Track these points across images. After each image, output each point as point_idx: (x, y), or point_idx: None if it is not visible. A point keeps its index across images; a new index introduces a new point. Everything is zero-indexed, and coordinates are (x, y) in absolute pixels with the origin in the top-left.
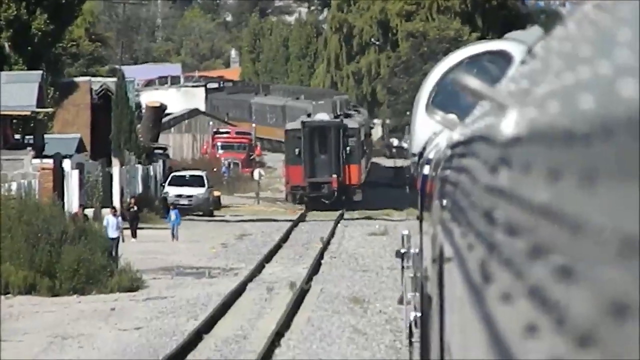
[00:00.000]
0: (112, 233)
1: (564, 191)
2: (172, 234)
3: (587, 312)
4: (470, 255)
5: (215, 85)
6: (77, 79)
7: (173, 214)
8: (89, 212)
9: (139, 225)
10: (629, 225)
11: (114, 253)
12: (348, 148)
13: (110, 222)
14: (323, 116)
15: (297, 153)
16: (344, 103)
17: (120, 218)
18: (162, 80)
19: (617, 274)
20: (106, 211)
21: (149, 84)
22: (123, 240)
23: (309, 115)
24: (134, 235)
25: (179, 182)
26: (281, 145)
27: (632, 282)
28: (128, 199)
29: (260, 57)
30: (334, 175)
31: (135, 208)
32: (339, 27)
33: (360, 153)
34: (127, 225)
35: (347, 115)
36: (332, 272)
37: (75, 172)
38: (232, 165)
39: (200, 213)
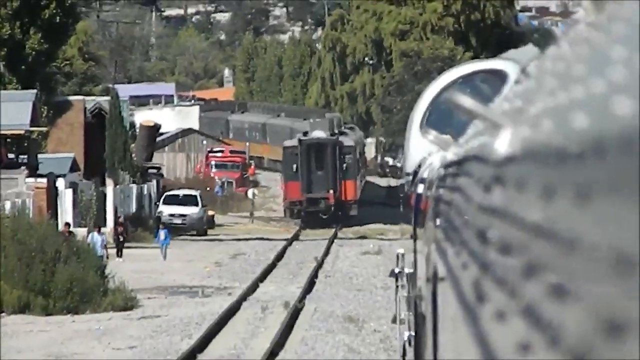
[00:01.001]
0: (99, 251)
1: (557, 210)
2: (164, 254)
3: (582, 331)
4: (463, 274)
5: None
6: (70, 98)
7: (162, 234)
8: (83, 230)
9: (126, 245)
10: (623, 243)
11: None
12: (344, 165)
13: (96, 240)
14: (320, 134)
15: (294, 169)
16: (337, 121)
17: (104, 236)
18: (156, 100)
19: (612, 292)
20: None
21: (142, 103)
22: (107, 258)
23: (305, 134)
24: (118, 254)
25: (173, 201)
26: (260, 161)
27: (627, 300)
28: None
29: (254, 76)
30: (331, 191)
31: (121, 229)
32: (332, 46)
33: (356, 169)
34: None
35: (343, 133)
36: (326, 291)
37: (69, 192)
38: (226, 184)
39: (194, 232)
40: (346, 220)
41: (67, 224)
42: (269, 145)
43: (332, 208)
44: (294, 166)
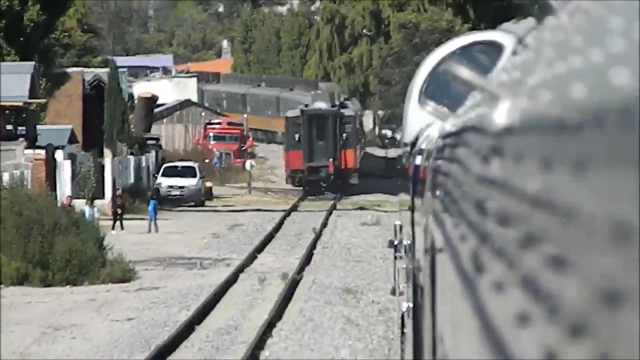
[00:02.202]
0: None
1: (556, 181)
2: (150, 227)
3: (580, 301)
4: (462, 245)
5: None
6: (69, 70)
7: (151, 206)
8: (82, 202)
9: (125, 217)
10: (621, 214)
11: None
12: (344, 134)
13: (87, 214)
14: (321, 105)
15: (296, 139)
16: (337, 93)
17: (95, 209)
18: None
19: (610, 263)
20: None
21: (140, 75)
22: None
23: (306, 106)
24: (121, 227)
25: (172, 172)
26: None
27: (625, 270)
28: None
29: (252, 48)
30: (331, 160)
31: (119, 201)
32: (330, 18)
33: (356, 139)
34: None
35: (343, 105)
36: (324, 262)
37: (68, 163)
38: (224, 156)
39: (192, 203)
40: (346, 188)
41: (70, 197)
42: (251, 115)
43: (332, 176)
44: (296, 136)
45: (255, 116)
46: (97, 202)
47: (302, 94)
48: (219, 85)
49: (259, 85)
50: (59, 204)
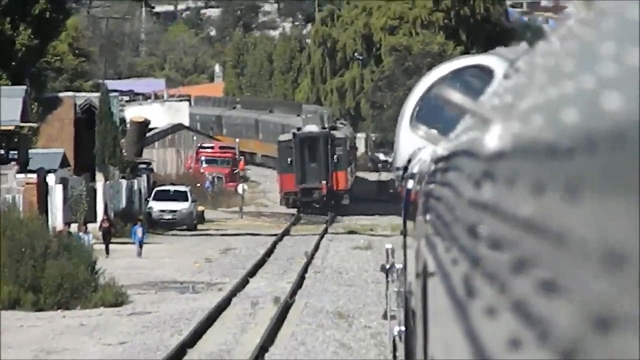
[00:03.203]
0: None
1: (547, 205)
2: (139, 251)
3: (571, 326)
4: (453, 269)
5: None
6: (61, 94)
7: (140, 231)
8: (74, 226)
9: (115, 241)
10: (612, 238)
11: None
12: (335, 156)
13: (82, 240)
14: (312, 128)
15: (289, 162)
16: (327, 115)
17: (90, 235)
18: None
19: (601, 287)
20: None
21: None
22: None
23: (298, 129)
24: (106, 252)
25: (163, 197)
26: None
27: (617, 296)
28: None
29: (244, 71)
30: (324, 182)
31: (107, 225)
32: (322, 42)
33: (347, 161)
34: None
35: (334, 127)
36: (316, 286)
37: (59, 187)
38: (216, 180)
39: (185, 227)
40: (339, 210)
41: (68, 224)
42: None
43: (325, 198)
44: (289, 159)
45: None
46: (89, 226)
47: (284, 117)
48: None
49: (234, 108)
50: (50, 228)
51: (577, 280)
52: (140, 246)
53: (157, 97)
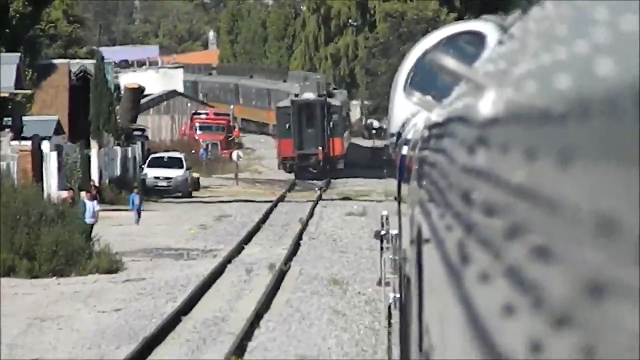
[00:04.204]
0: (89, 219)
1: (541, 172)
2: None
3: (565, 293)
4: (448, 236)
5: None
6: (55, 61)
7: (137, 198)
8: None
9: (111, 208)
10: (606, 206)
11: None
12: (332, 123)
13: (88, 207)
14: (310, 95)
15: (287, 128)
16: (323, 82)
17: (96, 202)
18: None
19: (595, 255)
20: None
21: (127, 66)
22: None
23: (296, 95)
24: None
25: (158, 163)
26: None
27: (610, 263)
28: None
29: (238, 38)
30: (320, 147)
31: (95, 192)
32: (316, 8)
33: (343, 127)
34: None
35: (330, 94)
36: (311, 253)
37: (54, 154)
38: (210, 147)
39: (179, 194)
40: (334, 173)
41: (71, 189)
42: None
43: (321, 163)
44: (287, 125)
45: (246, 107)
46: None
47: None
48: (212, 77)
49: (251, 77)
50: (45, 195)
51: (570, 247)
52: (138, 214)
53: (152, 64)
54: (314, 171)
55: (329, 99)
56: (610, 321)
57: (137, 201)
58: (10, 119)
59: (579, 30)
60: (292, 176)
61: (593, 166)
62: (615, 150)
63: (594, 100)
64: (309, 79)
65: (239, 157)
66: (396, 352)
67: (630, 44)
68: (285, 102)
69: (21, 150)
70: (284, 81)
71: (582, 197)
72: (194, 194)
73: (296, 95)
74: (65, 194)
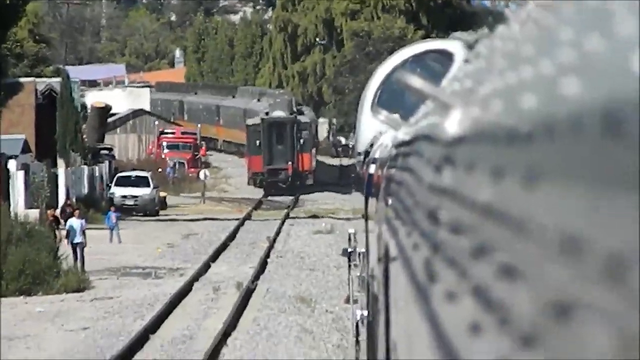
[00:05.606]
0: (77, 238)
1: (507, 190)
2: (111, 237)
3: (531, 311)
4: (414, 254)
5: None
6: (21, 80)
7: (114, 217)
8: (35, 212)
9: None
10: (572, 225)
11: (78, 259)
12: (301, 140)
13: (75, 226)
14: (280, 113)
15: (257, 144)
16: (294, 100)
17: (84, 221)
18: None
19: (560, 274)
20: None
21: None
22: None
23: (267, 114)
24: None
25: (125, 182)
26: None
27: (575, 281)
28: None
29: (205, 57)
30: (289, 163)
31: (69, 210)
32: (283, 27)
33: (311, 144)
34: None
35: (300, 112)
36: (278, 271)
37: (21, 173)
38: (177, 165)
39: (146, 213)
40: (303, 190)
41: (53, 208)
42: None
43: (290, 178)
44: (257, 142)
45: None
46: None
47: (246, 102)
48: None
49: (195, 94)
50: (12, 214)
51: (536, 266)
52: (112, 232)
53: (118, 82)
54: (284, 186)
55: (298, 116)
56: (576, 340)
57: (113, 219)
58: None
59: (545, 50)
60: (259, 195)
61: (559, 185)
62: (581, 169)
63: (560, 120)
64: (252, 92)
65: (206, 176)
66: None
67: (594, 64)
68: (255, 120)
69: None
70: (233, 97)
71: (547, 216)
72: (161, 212)
73: (266, 114)
74: (37, 212)
